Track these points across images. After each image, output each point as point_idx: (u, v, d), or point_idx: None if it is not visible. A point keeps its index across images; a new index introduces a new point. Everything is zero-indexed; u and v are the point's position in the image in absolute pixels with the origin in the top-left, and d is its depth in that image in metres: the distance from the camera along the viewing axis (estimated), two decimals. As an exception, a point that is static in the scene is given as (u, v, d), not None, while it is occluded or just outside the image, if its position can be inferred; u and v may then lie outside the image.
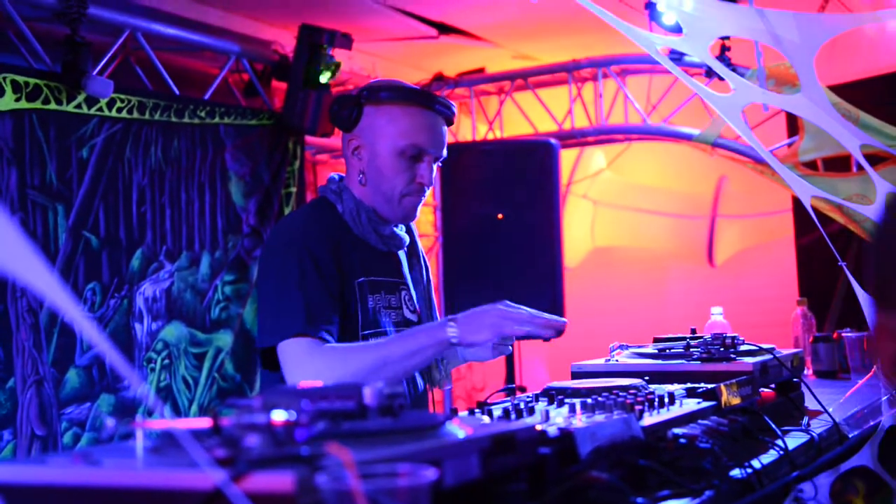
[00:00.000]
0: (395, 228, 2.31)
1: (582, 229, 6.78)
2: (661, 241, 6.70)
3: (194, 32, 4.72)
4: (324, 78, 4.83)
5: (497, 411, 1.74)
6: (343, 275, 2.17)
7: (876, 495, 1.96)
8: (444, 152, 2.29)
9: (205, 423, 1.06)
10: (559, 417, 1.59)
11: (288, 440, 1.01)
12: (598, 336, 2.85)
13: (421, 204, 2.31)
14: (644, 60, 5.54)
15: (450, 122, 2.31)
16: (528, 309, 2.04)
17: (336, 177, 2.34)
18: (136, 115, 4.33)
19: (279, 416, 1.02)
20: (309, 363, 2.05)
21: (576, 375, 2.32)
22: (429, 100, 2.25)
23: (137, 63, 4.60)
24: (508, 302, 2.06)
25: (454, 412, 1.80)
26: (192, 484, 0.95)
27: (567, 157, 6.34)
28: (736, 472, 1.63)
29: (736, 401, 2.01)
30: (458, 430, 1.23)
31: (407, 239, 2.35)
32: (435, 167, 2.30)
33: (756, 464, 1.69)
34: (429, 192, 2.35)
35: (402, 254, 2.37)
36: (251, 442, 1.01)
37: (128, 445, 1.15)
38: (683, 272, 6.53)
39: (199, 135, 4.63)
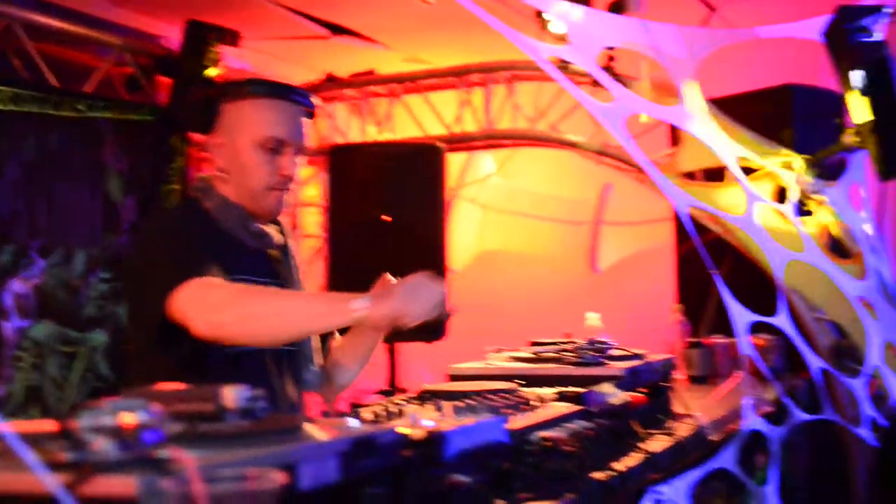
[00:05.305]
0: (264, 227, 2.29)
1: (470, 233, 6.82)
2: (546, 246, 6.78)
3: (77, 24, 4.59)
4: (210, 74, 4.76)
5: (367, 414, 1.74)
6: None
7: (735, 497, 2.02)
8: (305, 144, 2.29)
9: (51, 425, 1.03)
10: (427, 420, 1.60)
11: (137, 443, 0.99)
12: (483, 338, 2.88)
13: (285, 198, 2.28)
14: (534, 67, 5.60)
15: (310, 115, 2.31)
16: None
17: (203, 175, 2.32)
18: (10, 106, 4.19)
19: (128, 418, 1.00)
20: (208, 296, 1.98)
21: (454, 378, 2.34)
22: (285, 91, 2.26)
23: (14, 54, 4.45)
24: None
25: (325, 416, 1.79)
26: (31, 488, 0.92)
27: (456, 161, 6.37)
28: (599, 475, 1.66)
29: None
30: (317, 432, 1.22)
31: (280, 238, 2.32)
32: (298, 160, 2.28)
33: (619, 466, 1.73)
34: (299, 188, 2.33)
35: (275, 252, 2.33)
36: (98, 445, 0.99)
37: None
38: (568, 277, 6.62)
39: (78, 128, 4.51)
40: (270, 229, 2.30)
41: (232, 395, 1.21)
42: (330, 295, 2.11)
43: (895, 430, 1.66)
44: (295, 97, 2.26)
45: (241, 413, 1.22)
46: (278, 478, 0.91)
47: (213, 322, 1.96)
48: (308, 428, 1.25)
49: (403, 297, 1.93)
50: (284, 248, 2.36)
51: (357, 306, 1.92)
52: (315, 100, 2.34)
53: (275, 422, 1.24)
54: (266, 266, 2.29)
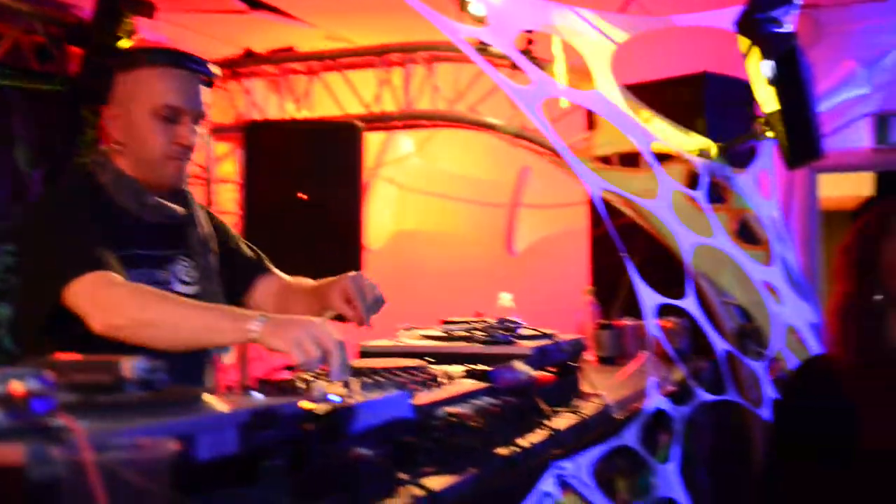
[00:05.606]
0: (162, 199, 2.23)
1: (387, 212, 6.81)
2: (463, 228, 6.80)
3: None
4: (122, 45, 4.65)
5: (273, 388, 1.73)
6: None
7: (636, 474, 2.07)
8: (205, 111, 2.24)
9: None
10: (333, 395, 1.60)
11: (26, 411, 0.97)
12: (398, 317, 2.89)
13: (186, 168, 2.24)
14: (453, 48, 5.60)
15: (208, 83, 2.26)
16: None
17: (101, 148, 2.26)
18: (-89, 72, 4.06)
19: (18, 386, 0.98)
20: (106, 296, 1.94)
21: (365, 355, 2.34)
22: (180, 59, 2.21)
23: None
24: (331, 323, 1.92)
25: (230, 389, 1.78)
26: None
27: (375, 140, 6.35)
28: (503, 450, 1.68)
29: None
30: (217, 404, 1.22)
31: (182, 210, 2.27)
32: (198, 129, 2.23)
33: (524, 443, 1.75)
34: (197, 156, 2.27)
35: (179, 224, 2.27)
36: (-13, 413, 0.97)
37: None
38: (484, 258, 6.66)
39: (-16, 97, 4.38)
40: (172, 201, 2.25)
41: (130, 365, 1.20)
42: (231, 311, 2.05)
43: (788, 401, 1.73)
44: (191, 64, 2.21)
45: (139, 384, 1.20)
46: (171, 447, 0.90)
47: (109, 324, 1.92)
48: (208, 399, 1.24)
49: (295, 336, 1.85)
50: (190, 219, 2.30)
51: (254, 327, 1.87)
52: (214, 67, 2.29)
53: (174, 393, 1.23)
54: (166, 239, 2.24)
